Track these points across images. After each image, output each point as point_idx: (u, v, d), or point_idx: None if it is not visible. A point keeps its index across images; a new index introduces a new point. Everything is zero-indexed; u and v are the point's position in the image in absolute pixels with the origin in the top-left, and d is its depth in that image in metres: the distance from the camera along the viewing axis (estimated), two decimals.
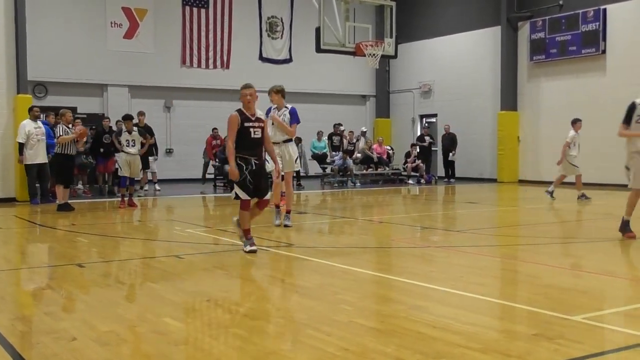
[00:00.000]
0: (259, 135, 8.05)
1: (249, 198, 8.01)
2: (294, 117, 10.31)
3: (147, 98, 22.37)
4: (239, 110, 8.02)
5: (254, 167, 7.94)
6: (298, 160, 10.45)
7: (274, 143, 9.45)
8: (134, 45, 22.23)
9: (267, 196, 8.25)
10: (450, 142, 23.55)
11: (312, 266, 7.36)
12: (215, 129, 20.68)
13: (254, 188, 7.97)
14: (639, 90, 19.10)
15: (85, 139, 15.09)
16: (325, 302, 5.60)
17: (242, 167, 7.89)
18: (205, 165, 20.66)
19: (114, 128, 18.08)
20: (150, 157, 18.53)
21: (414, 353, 4.16)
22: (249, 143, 7.94)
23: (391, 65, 26.86)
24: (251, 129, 7.94)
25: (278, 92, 10.29)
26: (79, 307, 5.71)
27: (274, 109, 10.30)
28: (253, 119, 8.00)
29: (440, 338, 4.49)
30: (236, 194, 8.00)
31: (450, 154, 23.52)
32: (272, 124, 10.12)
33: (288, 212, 10.61)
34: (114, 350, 4.30)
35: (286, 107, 10.33)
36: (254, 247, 8.04)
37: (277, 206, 10.78)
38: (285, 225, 10.35)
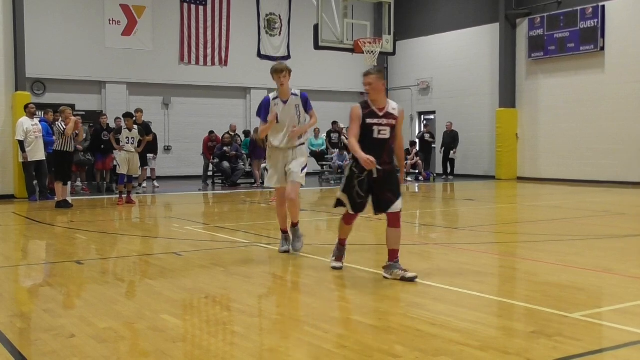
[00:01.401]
0: (386, 136, 6.40)
1: (352, 212, 6.62)
2: (309, 104, 7.78)
3: (145, 95, 22.39)
4: (363, 103, 6.45)
5: (374, 175, 6.33)
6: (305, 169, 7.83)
7: (282, 148, 7.64)
8: (132, 42, 22.23)
9: (394, 208, 6.43)
10: (451, 139, 23.55)
11: (309, 263, 7.36)
12: (212, 132, 20.68)
13: (369, 201, 6.55)
14: (637, 87, 19.24)
15: (81, 129, 14.91)
16: (323, 299, 5.60)
17: (354, 175, 6.40)
18: (206, 167, 20.67)
19: (112, 125, 18.09)
20: (149, 155, 18.56)
21: (412, 350, 4.17)
22: (370, 144, 6.33)
23: (389, 63, 26.85)
24: (375, 127, 6.35)
25: (290, 72, 7.61)
26: (78, 304, 5.71)
27: (274, 99, 7.62)
28: (380, 114, 6.39)
29: (439, 335, 4.50)
30: (338, 200, 6.62)
31: (452, 152, 23.52)
32: (277, 121, 7.58)
33: (283, 230, 8.10)
34: (112, 347, 4.30)
35: (294, 93, 7.65)
36: (339, 264, 6.84)
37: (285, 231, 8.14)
38: (280, 250, 8.00)
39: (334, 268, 6.83)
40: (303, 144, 7.77)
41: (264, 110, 7.60)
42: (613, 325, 4.76)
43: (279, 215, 7.98)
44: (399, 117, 6.49)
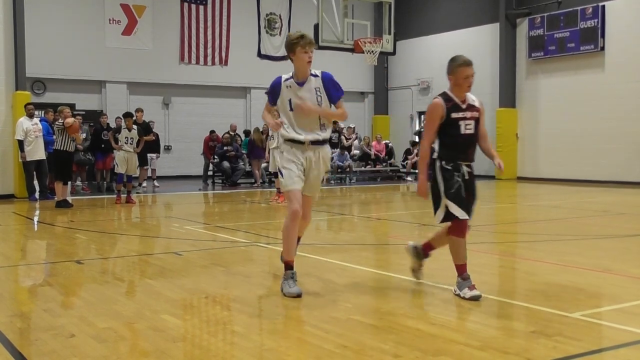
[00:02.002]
0: (472, 131, 5.57)
1: (467, 217, 5.53)
2: (337, 88, 5.94)
3: (145, 95, 22.39)
4: (445, 95, 5.59)
5: (465, 177, 5.56)
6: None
7: (301, 145, 5.82)
8: (132, 42, 22.23)
9: (471, 215, 5.67)
10: None
11: (310, 263, 7.35)
12: (213, 131, 20.69)
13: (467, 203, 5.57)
14: (637, 87, 19.25)
15: (78, 135, 14.88)
16: (323, 299, 5.60)
17: (452, 174, 5.54)
18: (206, 166, 20.71)
19: (112, 125, 18.09)
20: (151, 154, 18.58)
21: (412, 350, 4.16)
22: (458, 141, 5.56)
23: (389, 62, 26.86)
24: (461, 122, 5.52)
25: (314, 45, 5.94)
26: (77, 304, 5.71)
27: (287, 80, 5.86)
28: (464, 106, 5.57)
29: (439, 335, 4.49)
30: (447, 212, 5.54)
31: None
32: (291, 109, 5.79)
33: (288, 263, 5.93)
34: (112, 347, 4.30)
35: (314, 74, 5.88)
36: (475, 292, 5.44)
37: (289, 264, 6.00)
38: (288, 293, 5.71)
39: (474, 297, 5.43)
40: (327, 140, 5.98)
41: (271, 93, 5.95)
42: (613, 325, 4.76)
43: (288, 238, 5.88)
44: (480, 108, 5.67)
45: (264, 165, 19.77)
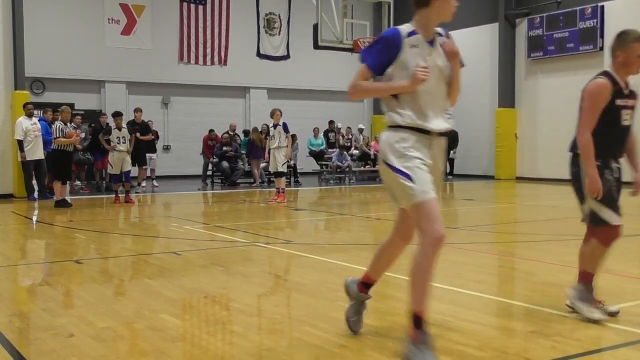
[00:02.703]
0: (629, 122, 4.72)
1: (620, 223, 4.79)
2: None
3: (144, 94, 22.39)
4: (609, 76, 4.74)
5: (615, 174, 4.83)
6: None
7: (431, 134, 4.02)
8: (131, 41, 22.24)
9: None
10: (451, 139, 23.50)
11: (309, 263, 7.36)
12: (212, 130, 20.68)
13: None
14: (636, 88, 19.26)
15: (79, 139, 14.85)
16: (322, 299, 5.60)
17: (603, 171, 4.71)
18: (205, 166, 20.69)
19: (112, 125, 18.08)
20: (150, 154, 18.56)
21: None
22: (615, 134, 4.69)
23: None
24: (623, 111, 4.66)
25: None
26: (77, 304, 5.71)
27: (411, 35, 3.97)
28: (626, 92, 4.71)
29: (438, 335, 4.49)
30: (594, 215, 4.77)
31: (451, 152, 23.54)
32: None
33: (419, 316, 4.02)
34: (111, 347, 4.30)
35: (439, 32, 4.21)
36: (601, 314, 4.72)
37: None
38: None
39: (597, 320, 4.68)
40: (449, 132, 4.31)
41: (383, 48, 3.93)
42: (612, 325, 4.75)
43: (423, 280, 4.08)
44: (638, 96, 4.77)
45: (263, 165, 19.76)
